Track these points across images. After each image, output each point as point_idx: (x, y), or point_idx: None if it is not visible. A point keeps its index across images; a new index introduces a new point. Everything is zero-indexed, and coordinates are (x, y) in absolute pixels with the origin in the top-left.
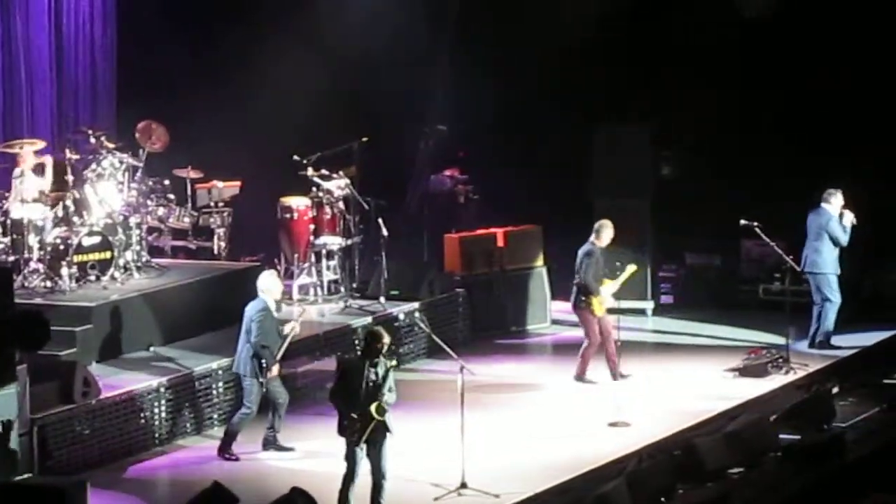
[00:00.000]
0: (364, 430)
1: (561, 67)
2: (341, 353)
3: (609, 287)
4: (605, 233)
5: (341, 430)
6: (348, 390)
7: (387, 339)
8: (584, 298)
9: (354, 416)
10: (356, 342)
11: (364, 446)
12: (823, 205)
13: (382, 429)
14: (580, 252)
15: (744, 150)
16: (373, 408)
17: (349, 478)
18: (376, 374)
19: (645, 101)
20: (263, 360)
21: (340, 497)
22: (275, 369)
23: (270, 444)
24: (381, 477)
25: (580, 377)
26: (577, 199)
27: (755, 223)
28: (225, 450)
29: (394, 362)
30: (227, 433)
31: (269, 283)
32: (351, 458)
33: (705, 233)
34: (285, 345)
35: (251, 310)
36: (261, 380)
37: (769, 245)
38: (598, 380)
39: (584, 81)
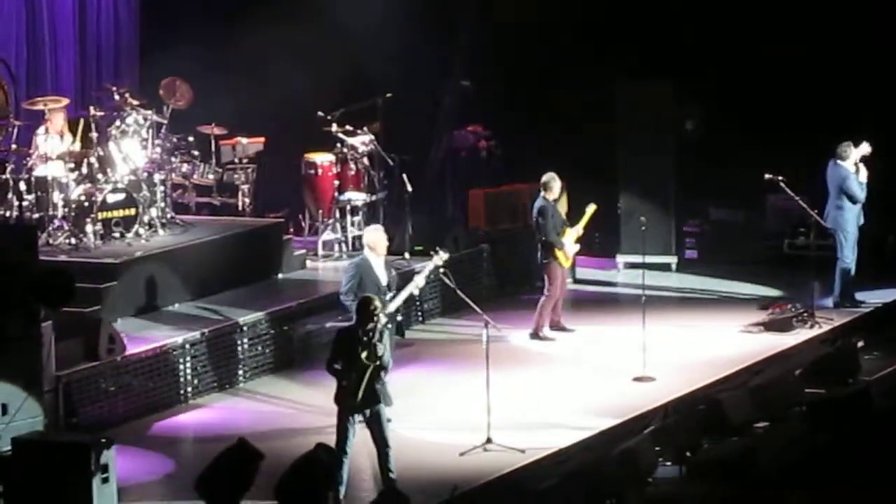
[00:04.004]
0: (359, 386)
1: (584, 21)
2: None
3: (571, 235)
4: (554, 186)
5: (337, 398)
6: (343, 357)
7: (377, 302)
8: (548, 253)
9: (352, 375)
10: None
11: (362, 418)
12: (839, 161)
13: (378, 397)
14: (534, 210)
15: (768, 104)
16: (363, 355)
17: (339, 451)
18: (369, 336)
19: (669, 55)
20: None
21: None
22: None
23: None
24: (384, 446)
25: (536, 334)
26: (601, 155)
27: (780, 177)
28: None
29: (384, 320)
30: None
31: (369, 238)
32: (342, 430)
33: (729, 187)
34: (399, 299)
35: None
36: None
37: (794, 199)
38: (554, 336)
39: (607, 35)
